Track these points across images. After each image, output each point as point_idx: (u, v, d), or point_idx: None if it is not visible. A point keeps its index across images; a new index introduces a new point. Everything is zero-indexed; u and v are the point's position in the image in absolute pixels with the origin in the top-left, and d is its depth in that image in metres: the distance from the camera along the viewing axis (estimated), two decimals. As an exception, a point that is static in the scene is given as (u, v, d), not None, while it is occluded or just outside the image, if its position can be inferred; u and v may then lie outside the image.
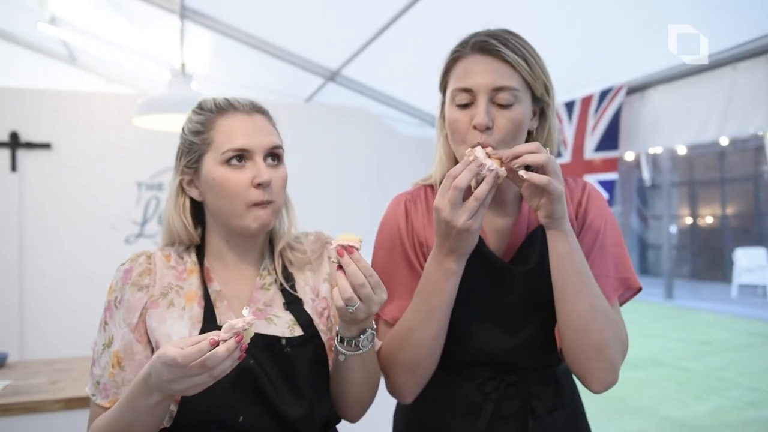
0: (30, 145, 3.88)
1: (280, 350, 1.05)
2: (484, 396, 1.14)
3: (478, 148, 1.00)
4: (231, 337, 0.84)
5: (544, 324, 1.13)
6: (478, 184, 0.97)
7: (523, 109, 1.06)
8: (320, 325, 1.12)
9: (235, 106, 1.09)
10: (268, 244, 1.18)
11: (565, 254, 1.02)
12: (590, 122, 3.01)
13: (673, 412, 5.05)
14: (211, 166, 1.05)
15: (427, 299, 1.06)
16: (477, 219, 0.98)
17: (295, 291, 1.14)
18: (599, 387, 1.07)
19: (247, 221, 1.05)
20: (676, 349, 7.77)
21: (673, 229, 15.35)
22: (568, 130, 3.17)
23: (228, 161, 1.04)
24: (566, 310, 1.04)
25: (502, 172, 0.98)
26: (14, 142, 3.85)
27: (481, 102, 1.04)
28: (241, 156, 1.05)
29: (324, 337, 1.11)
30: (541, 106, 1.12)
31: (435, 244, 1.03)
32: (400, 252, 1.18)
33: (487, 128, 1.03)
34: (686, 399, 5.44)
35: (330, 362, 1.11)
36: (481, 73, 1.05)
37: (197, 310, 1.06)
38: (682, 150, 3.28)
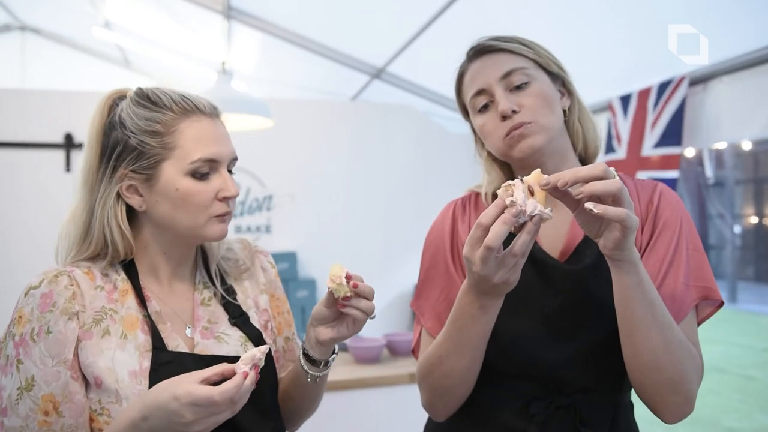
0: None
1: None
2: (528, 418, 1.03)
3: (518, 185, 0.83)
4: (251, 368, 0.83)
5: (604, 333, 1.00)
6: (517, 229, 0.85)
7: (542, 84, 1.05)
8: (267, 338, 1.07)
9: (200, 108, 0.98)
10: (200, 254, 1.08)
11: (634, 286, 0.89)
12: (650, 117, 2.82)
13: (737, 424, 4.79)
14: (174, 175, 0.94)
15: (460, 331, 0.97)
16: (516, 272, 0.88)
17: (239, 304, 1.06)
18: (673, 419, 0.97)
19: (208, 234, 0.98)
20: (740, 355, 7.39)
21: (737, 228, 14.64)
22: (623, 125, 3.00)
23: (194, 172, 0.94)
24: (635, 346, 0.93)
25: (547, 215, 0.83)
26: (69, 144, 3.99)
27: (498, 92, 1.04)
28: (208, 167, 0.96)
29: (272, 350, 1.07)
30: (561, 80, 1.10)
31: (468, 282, 0.93)
32: (442, 256, 1.14)
33: (513, 112, 1.02)
34: (751, 410, 5.15)
35: (279, 376, 1.09)
36: (486, 69, 1.06)
37: (143, 338, 0.94)
38: (747, 145, 3.07)
